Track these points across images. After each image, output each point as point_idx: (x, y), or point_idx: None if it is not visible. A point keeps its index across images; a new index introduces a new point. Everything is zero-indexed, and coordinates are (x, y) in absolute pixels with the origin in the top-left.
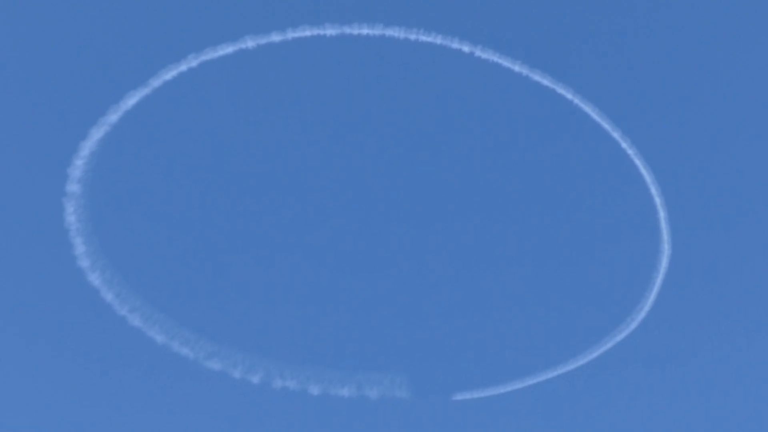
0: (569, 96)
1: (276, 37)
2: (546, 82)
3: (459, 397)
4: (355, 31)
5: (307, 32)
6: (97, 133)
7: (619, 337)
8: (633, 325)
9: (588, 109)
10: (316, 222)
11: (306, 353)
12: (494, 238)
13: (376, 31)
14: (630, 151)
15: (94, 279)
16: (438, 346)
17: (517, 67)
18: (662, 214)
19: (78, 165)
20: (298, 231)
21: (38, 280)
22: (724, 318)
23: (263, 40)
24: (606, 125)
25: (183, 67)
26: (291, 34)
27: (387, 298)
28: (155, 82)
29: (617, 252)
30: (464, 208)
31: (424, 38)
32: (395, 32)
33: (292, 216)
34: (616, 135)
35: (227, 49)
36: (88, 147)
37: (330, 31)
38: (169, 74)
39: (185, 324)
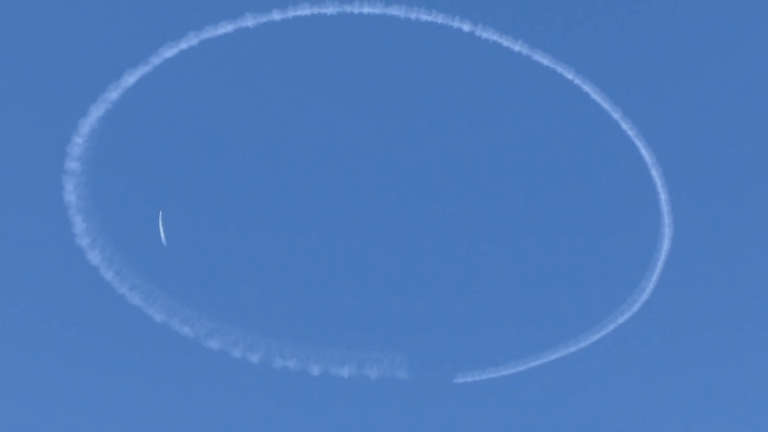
0: (570, 76)
1: (276, 16)
2: (546, 62)
3: (459, 379)
4: (356, 10)
5: (308, 11)
6: (96, 111)
7: (621, 319)
8: (635, 307)
9: (588, 89)
10: (316, 201)
11: (306, 332)
12: (495, 219)
13: (377, 9)
14: (630, 132)
15: (94, 257)
16: (439, 327)
17: (517, 47)
18: (663, 196)
19: (77, 143)
20: (299, 210)
21: (37, 258)
22: (724, 299)
23: (264, 19)
24: (606, 106)
25: (183, 45)
26: (291, 13)
27: (388, 277)
28: (155, 60)
29: (618, 234)
30: (465, 189)
31: (425, 17)
32: (396, 11)
33: (293, 195)
34: (616, 116)
35: (227, 28)
36: (87, 124)
37: (330, 9)
38: (170, 52)
39: (185, 302)
